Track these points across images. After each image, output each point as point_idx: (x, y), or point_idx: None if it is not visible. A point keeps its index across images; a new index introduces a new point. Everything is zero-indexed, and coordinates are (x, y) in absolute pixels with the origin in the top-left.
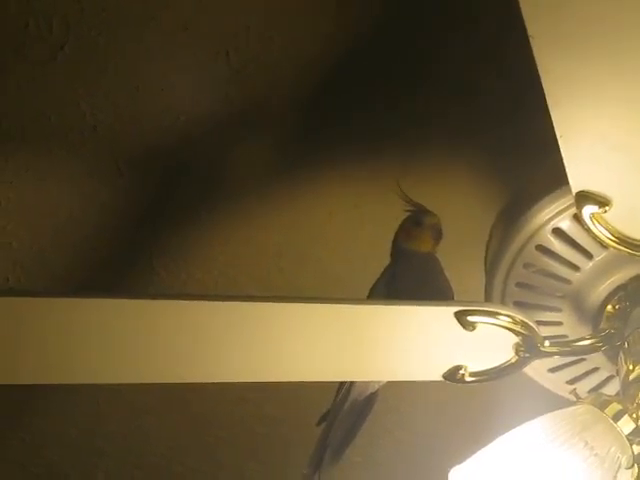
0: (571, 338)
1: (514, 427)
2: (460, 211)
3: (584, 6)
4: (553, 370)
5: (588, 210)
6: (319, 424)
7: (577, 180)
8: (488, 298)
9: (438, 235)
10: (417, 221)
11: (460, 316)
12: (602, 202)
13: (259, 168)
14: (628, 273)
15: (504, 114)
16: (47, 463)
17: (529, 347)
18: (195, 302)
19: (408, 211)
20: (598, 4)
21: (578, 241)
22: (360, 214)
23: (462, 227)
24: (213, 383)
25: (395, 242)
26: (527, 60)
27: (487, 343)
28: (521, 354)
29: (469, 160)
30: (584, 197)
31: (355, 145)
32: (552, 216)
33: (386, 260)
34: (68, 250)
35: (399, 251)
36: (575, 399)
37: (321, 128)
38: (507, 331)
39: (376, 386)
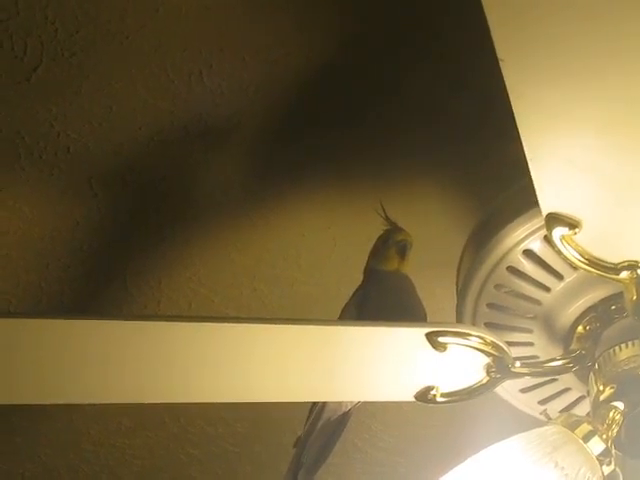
0: (542, 359)
1: (486, 447)
2: (432, 232)
3: (554, 30)
4: (524, 390)
5: (558, 232)
6: (295, 447)
7: (547, 202)
8: (459, 319)
9: (403, 251)
10: (385, 239)
11: (431, 337)
12: (572, 224)
13: (233, 188)
14: (599, 294)
15: (474, 135)
16: None
17: (500, 368)
18: (168, 323)
19: (383, 230)
20: (568, 28)
21: (549, 262)
22: (332, 235)
23: (434, 248)
24: (187, 403)
25: (367, 263)
26: (497, 82)
27: (458, 364)
28: (492, 375)
29: (440, 181)
30: (554, 219)
31: (325, 166)
32: (523, 238)
33: (358, 281)
34: (41, 269)
35: (370, 272)
36: (546, 419)
37: (294, 149)
38: (478, 352)
39: (349, 405)
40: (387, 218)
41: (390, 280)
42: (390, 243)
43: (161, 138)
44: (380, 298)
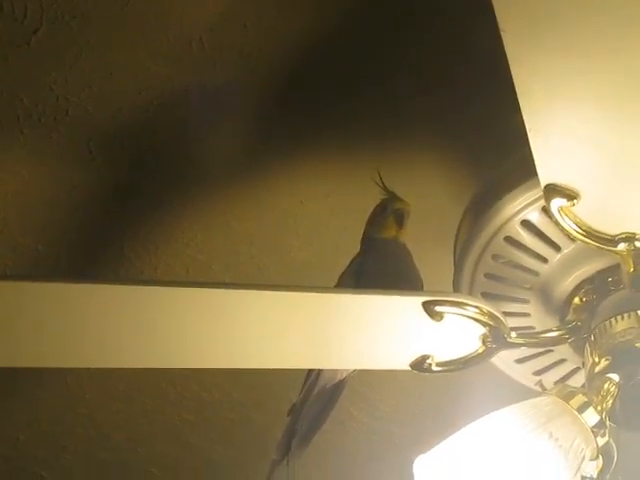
0: (538, 330)
1: (480, 417)
2: (430, 201)
3: (555, 0)
4: (520, 361)
5: (556, 203)
6: (289, 414)
7: (546, 173)
8: (456, 289)
9: (400, 219)
10: (383, 208)
11: (428, 306)
12: (571, 195)
13: (232, 155)
14: (595, 266)
15: (474, 105)
16: (14, 445)
17: (496, 338)
18: (165, 288)
19: (382, 199)
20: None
21: (546, 233)
22: (331, 203)
23: (432, 217)
24: (183, 368)
25: (365, 231)
26: (499, 53)
27: (454, 333)
28: (488, 345)
29: (439, 150)
30: (553, 190)
31: (327, 135)
32: (521, 208)
33: (356, 249)
34: (38, 233)
35: (368, 240)
36: (541, 390)
37: (294, 117)
38: (474, 322)
39: (344, 374)
40: (385, 187)
41: (387, 248)
42: (388, 211)
43: (160, 103)
44: (377, 266)
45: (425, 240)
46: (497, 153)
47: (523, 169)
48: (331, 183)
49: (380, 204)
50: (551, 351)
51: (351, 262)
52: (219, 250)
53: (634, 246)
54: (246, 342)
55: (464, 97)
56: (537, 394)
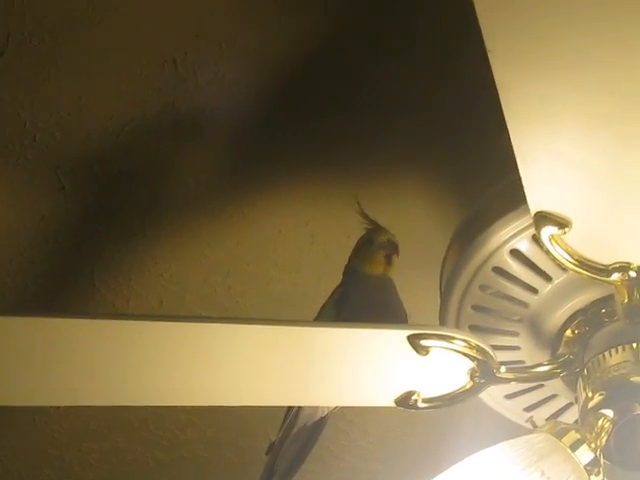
0: (528, 364)
1: (469, 455)
2: (415, 230)
3: (544, 21)
4: (510, 397)
5: (547, 231)
6: (268, 453)
7: (536, 200)
8: (443, 321)
9: (390, 254)
10: (369, 239)
11: (413, 340)
12: (562, 223)
13: (207, 181)
14: (588, 297)
15: (460, 129)
16: None
17: (484, 373)
18: (137, 322)
19: (365, 229)
20: (559, 20)
21: (537, 263)
22: (311, 232)
23: (417, 247)
24: (156, 406)
25: (349, 262)
26: (485, 76)
27: (441, 368)
28: (476, 380)
29: (425, 177)
30: (543, 218)
31: (304, 160)
32: (510, 237)
33: (337, 280)
34: (4, 264)
35: (351, 271)
36: (532, 427)
37: (272, 141)
38: (462, 356)
39: (325, 411)
40: (365, 216)
41: (371, 280)
42: (375, 246)
43: (132, 128)
44: (360, 298)
45: (409, 270)
46: (484, 179)
47: (512, 196)
48: (311, 210)
49: (364, 236)
50: (542, 386)
51: (332, 293)
52: (194, 281)
53: (628, 276)
54: (222, 378)
55: (450, 120)
56: (528, 431)
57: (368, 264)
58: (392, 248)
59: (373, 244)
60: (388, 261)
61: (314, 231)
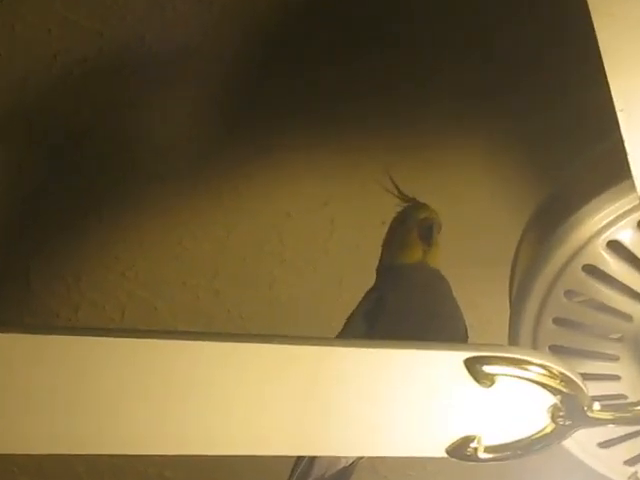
0: (632, 399)
1: None
2: (475, 218)
3: None
4: (606, 445)
5: None
6: None
7: None
8: (514, 339)
9: (428, 234)
10: (401, 221)
11: (473, 365)
12: None
13: (186, 145)
14: None
15: (532, 78)
16: None
17: (571, 411)
18: (89, 339)
19: (399, 209)
20: None
21: None
22: (330, 215)
23: (478, 240)
24: (120, 456)
25: (381, 257)
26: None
27: (511, 405)
28: (560, 421)
29: (484, 143)
30: None
31: (319, 118)
32: (606, 224)
33: (367, 282)
34: None
35: (385, 269)
36: None
37: (271, 92)
38: (540, 388)
39: (350, 460)
40: (401, 194)
41: (414, 278)
42: (409, 225)
43: (84, 71)
44: (400, 305)
45: (467, 271)
46: (568, 146)
47: (607, 170)
48: (330, 187)
49: (398, 216)
50: None
51: (363, 299)
52: (168, 283)
53: None
54: (207, 417)
55: (516, 68)
56: None
57: (402, 250)
58: (430, 226)
59: (406, 224)
60: (427, 241)
61: (335, 214)
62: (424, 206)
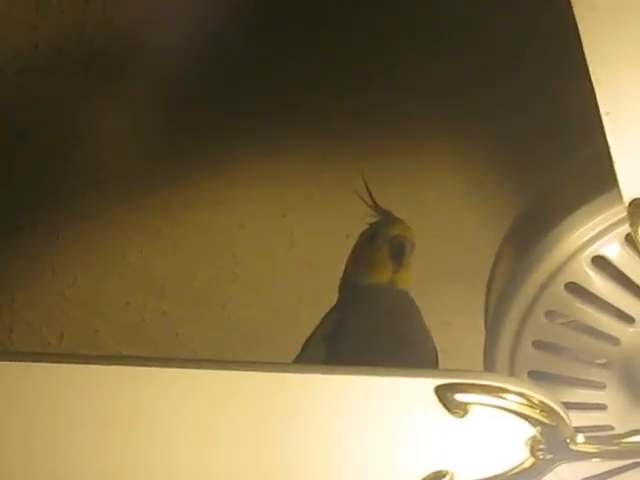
0: (619, 431)
1: None
2: (448, 231)
3: None
4: None
5: None
6: None
7: (631, 183)
8: (490, 364)
9: (399, 253)
10: (371, 236)
11: (444, 393)
12: None
13: (132, 150)
14: None
15: (513, 79)
16: None
17: (552, 444)
18: (23, 365)
19: (370, 223)
20: None
21: (631, 277)
22: (288, 227)
23: (451, 255)
24: None
25: (344, 273)
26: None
27: (486, 437)
28: (540, 455)
29: (461, 155)
30: None
31: (283, 119)
32: (590, 238)
33: (329, 300)
34: None
35: (348, 287)
36: None
37: (231, 89)
38: (518, 418)
39: None
40: (374, 204)
41: (380, 300)
42: (379, 242)
43: (18, 68)
44: (363, 329)
45: (439, 288)
46: (550, 153)
47: (591, 179)
48: (290, 196)
49: (366, 231)
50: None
51: (322, 321)
52: (110, 303)
53: None
54: (153, 451)
55: (498, 72)
56: None
57: (370, 269)
58: (402, 246)
59: (376, 240)
60: (397, 263)
61: (294, 227)
62: (398, 221)
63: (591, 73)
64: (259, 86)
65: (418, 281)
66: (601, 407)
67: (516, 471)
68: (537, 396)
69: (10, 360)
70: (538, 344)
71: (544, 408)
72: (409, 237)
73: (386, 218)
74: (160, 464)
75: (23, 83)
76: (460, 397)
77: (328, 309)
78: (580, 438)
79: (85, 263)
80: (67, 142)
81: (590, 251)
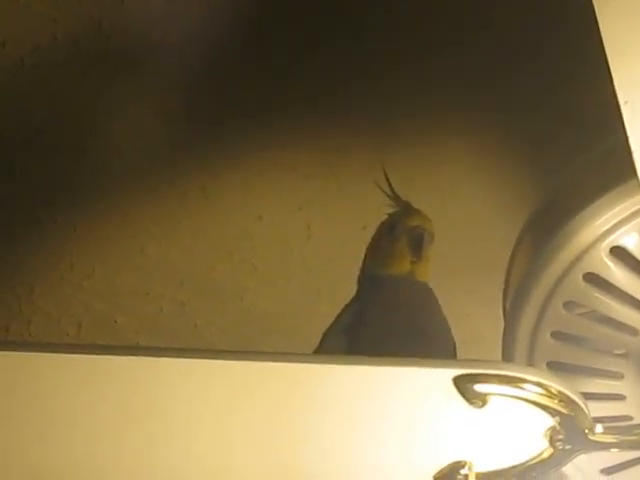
0: (638, 421)
1: None
2: (467, 222)
3: None
4: (609, 471)
5: None
6: None
7: None
8: (508, 354)
9: (418, 244)
10: (390, 227)
11: (463, 383)
12: None
13: (149, 143)
14: None
15: (532, 69)
16: None
17: (571, 434)
18: (43, 355)
19: (389, 213)
20: None
21: None
22: (306, 220)
23: (470, 246)
24: None
25: (363, 265)
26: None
27: (505, 427)
28: (559, 445)
29: (479, 146)
30: None
31: (296, 107)
32: (609, 228)
33: (348, 292)
34: None
35: (367, 279)
36: None
37: (247, 81)
38: (537, 409)
39: None
40: (394, 194)
41: (399, 291)
42: (398, 232)
43: (36, 61)
44: (382, 320)
45: (458, 279)
46: (568, 146)
47: (610, 169)
48: (308, 188)
49: (386, 221)
50: None
51: (342, 312)
52: (129, 294)
53: None
54: (171, 443)
55: (516, 64)
56: None
57: (388, 260)
58: (421, 236)
59: (395, 231)
60: (417, 252)
61: (311, 219)
62: (417, 212)
63: (609, 62)
64: (277, 78)
65: (436, 272)
66: (620, 397)
67: (535, 461)
68: (556, 386)
69: (29, 351)
70: (557, 335)
71: (563, 398)
72: (428, 228)
73: (405, 209)
74: (178, 456)
75: (41, 75)
76: (479, 387)
77: (346, 301)
78: (599, 428)
79: (103, 255)
80: (84, 135)
81: (609, 241)
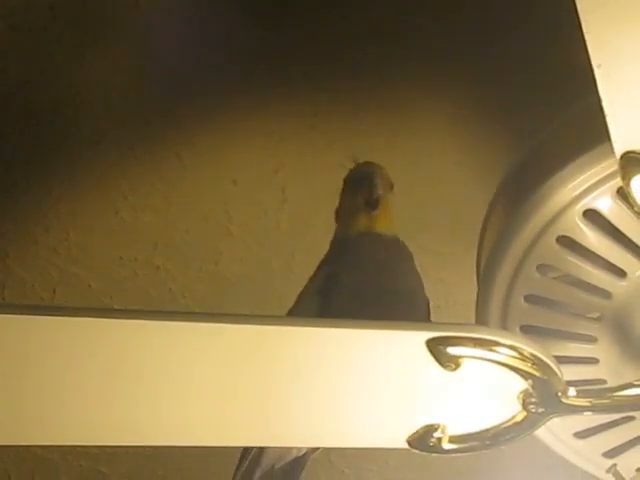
0: (611, 384)
1: None
2: (440, 187)
3: None
4: (582, 435)
5: None
6: None
7: (623, 135)
8: (482, 318)
9: (370, 193)
10: (344, 184)
11: (436, 346)
12: None
13: (123, 107)
14: None
15: (506, 34)
16: None
17: (544, 397)
18: (13, 317)
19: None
20: None
21: (624, 231)
22: (281, 184)
23: (443, 210)
24: (52, 448)
25: (336, 229)
26: None
27: (478, 390)
28: (532, 408)
29: (452, 110)
30: (634, 161)
31: (276, 76)
32: (582, 192)
33: (320, 256)
34: None
35: (337, 239)
36: None
37: (224, 44)
38: (510, 372)
39: (303, 450)
40: (354, 157)
41: (366, 249)
42: (350, 186)
43: (12, 24)
44: (354, 281)
45: (434, 243)
46: (542, 107)
47: (583, 132)
48: (282, 151)
49: (345, 179)
50: (632, 419)
51: (314, 274)
52: (103, 258)
53: None
54: (146, 405)
55: (487, 27)
56: None
57: (349, 219)
58: (370, 182)
59: (347, 187)
60: (371, 202)
61: (286, 183)
62: (367, 163)
63: (583, 26)
64: (253, 44)
65: (409, 237)
66: (593, 361)
67: (508, 424)
68: (529, 349)
69: (2, 313)
70: (530, 298)
71: (536, 361)
72: (378, 173)
73: (357, 165)
74: (150, 415)
75: (15, 39)
76: (452, 350)
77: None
78: (572, 392)
79: (78, 219)
80: (60, 99)
81: (582, 205)
